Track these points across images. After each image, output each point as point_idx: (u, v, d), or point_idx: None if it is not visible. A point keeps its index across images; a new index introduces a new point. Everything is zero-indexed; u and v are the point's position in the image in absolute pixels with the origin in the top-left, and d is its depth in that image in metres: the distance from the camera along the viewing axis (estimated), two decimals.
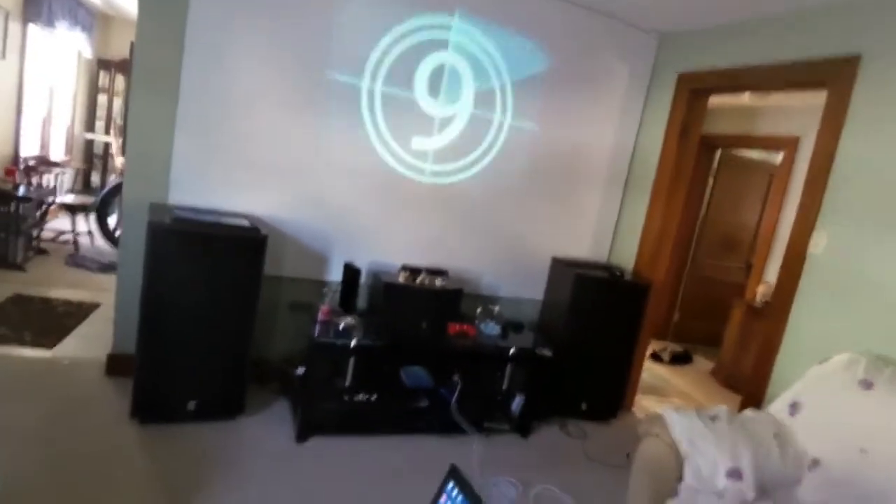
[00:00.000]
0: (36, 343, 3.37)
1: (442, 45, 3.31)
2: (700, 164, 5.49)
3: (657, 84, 3.84)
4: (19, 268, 4.61)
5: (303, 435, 2.79)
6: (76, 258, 5.13)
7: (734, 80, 3.37)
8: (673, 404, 4.24)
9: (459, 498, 1.08)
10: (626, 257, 3.92)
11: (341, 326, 2.87)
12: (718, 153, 5.82)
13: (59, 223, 5.73)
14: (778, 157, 5.51)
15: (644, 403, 4.06)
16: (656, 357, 5.17)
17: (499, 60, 3.45)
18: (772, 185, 5.62)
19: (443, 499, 1.12)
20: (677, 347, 5.48)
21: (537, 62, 3.54)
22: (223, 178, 3.05)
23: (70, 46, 5.98)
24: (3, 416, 2.57)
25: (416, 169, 3.41)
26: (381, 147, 3.31)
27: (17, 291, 4.10)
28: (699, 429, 2.12)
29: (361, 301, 3.29)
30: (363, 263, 3.28)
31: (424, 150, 3.41)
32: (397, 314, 3.08)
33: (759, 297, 4.92)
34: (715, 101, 3.93)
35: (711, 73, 3.47)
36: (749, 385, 2.96)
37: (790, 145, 5.06)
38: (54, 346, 3.39)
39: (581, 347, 3.50)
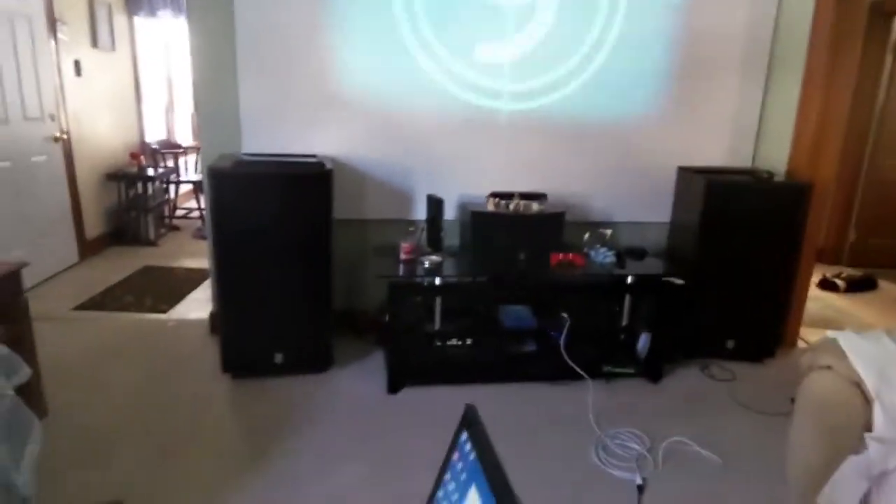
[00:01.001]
0: (154, 308, 3.50)
1: None
2: (874, 38, 4.34)
3: None
4: (152, 244, 4.89)
5: (394, 385, 2.55)
6: (202, 231, 5.37)
7: None
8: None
9: (472, 456, 0.69)
10: (777, 160, 3.15)
11: (426, 264, 2.56)
12: None
13: (189, 201, 6.07)
14: None
15: (812, 339, 3.30)
16: (829, 285, 4.26)
17: None
18: None
19: (455, 456, 0.74)
20: (855, 272, 4.47)
21: None
22: (293, 120, 2.86)
23: (179, 34, 6.20)
24: (109, 372, 2.68)
25: (489, 93, 2.94)
26: (443, 72, 2.88)
27: (146, 264, 4.34)
28: (893, 354, 1.50)
29: (453, 239, 2.94)
30: (451, 197, 2.92)
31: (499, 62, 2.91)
32: (489, 247, 2.69)
33: None
34: None
35: None
36: None
37: None
38: (169, 309, 3.49)
39: (722, 273, 2.86)
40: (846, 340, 1.58)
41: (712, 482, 2.05)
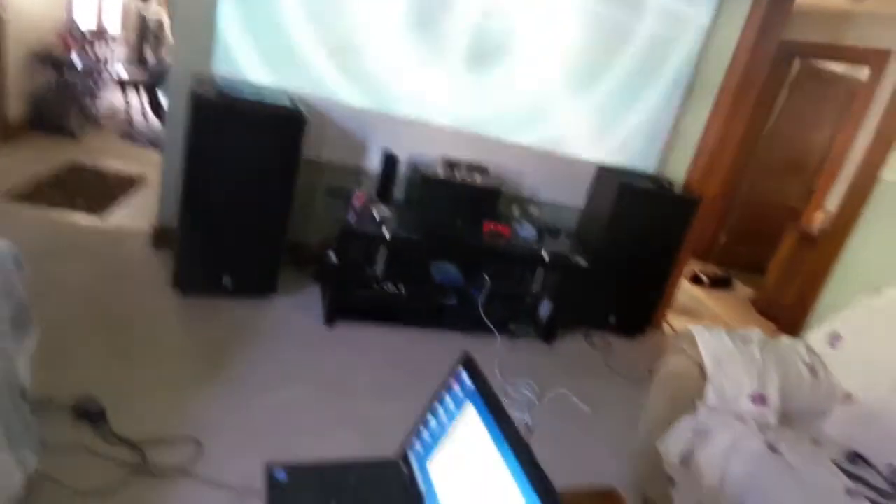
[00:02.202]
0: (88, 209, 3.51)
1: None
2: (774, 74, 5.02)
3: None
4: (74, 136, 4.72)
5: (331, 318, 2.88)
6: (128, 131, 5.23)
7: None
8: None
9: (470, 385, 1.07)
10: (678, 169, 3.72)
11: (376, 215, 2.86)
12: (797, 64, 5.29)
13: (113, 96, 5.80)
14: (862, 73, 4.99)
15: (675, 324, 4.01)
16: (696, 279, 5.05)
17: None
18: (851, 103, 5.14)
19: (454, 384, 1.12)
20: (718, 271, 5.32)
21: None
22: (268, 51, 2.97)
23: None
24: (55, 273, 2.73)
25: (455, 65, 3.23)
26: (420, 36, 3.13)
27: (73, 159, 4.24)
28: (728, 349, 2.06)
29: (399, 193, 3.25)
30: (403, 154, 3.21)
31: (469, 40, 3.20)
32: (433, 208, 3.04)
33: (815, 224, 4.65)
34: (802, 2, 3.50)
35: None
36: (788, 314, 2.86)
37: (879, 59, 4.54)
38: (103, 213, 3.52)
39: (616, 259, 3.42)
40: (698, 333, 2.13)
41: (583, 426, 2.61)
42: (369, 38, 3.06)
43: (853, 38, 4.78)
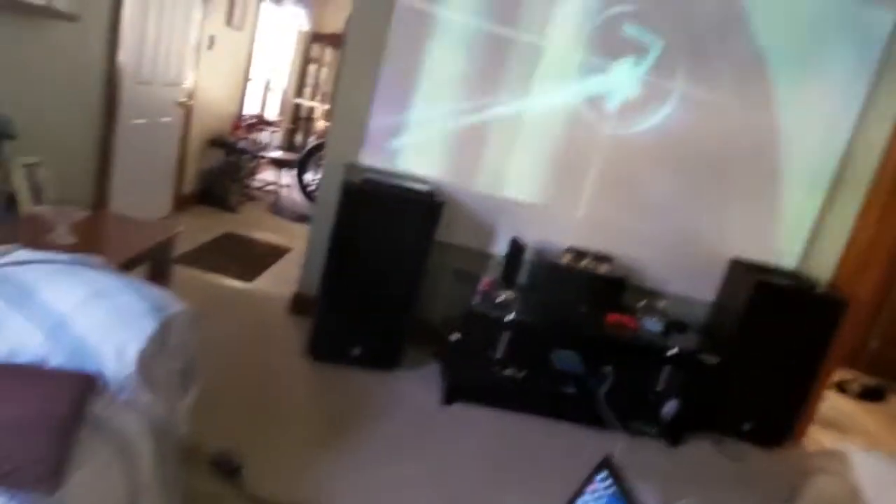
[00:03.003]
0: (239, 275, 3.92)
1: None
2: None
3: (889, 72, 3.28)
4: (232, 210, 5.34)
5: (449, 398, 2.92)
6: (277, 207, 5.82)
7: None
8: (854, 444, 3.72)
9: (612, 489, 1.06)
10: (823, 267, 3.46)
11: (500, 299, 2.93)
12: None
13: (266, 175, 6.53)
14: None
15: (818, 437, 3.60)
16: (841, 388, 4.54)
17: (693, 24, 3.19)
18: None
19: (592, 486, 1.11)
20: (869, 380, 4.75)
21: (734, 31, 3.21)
22: (411, 143, 3.26)
23: (292, 21, 6.69)
24: (207, 328, 2.98)
25: (586, 155, 3.33)
26: (568, 115, 3.28)
27: (230, 230, 4.78)
28: (892, 477, 1.84)
29: (524, 278, 3.31)
30: (530, 240, 3.29)
31: (604, 111, 3.30)
32: (557, 295, 3.06)
33: None
34: None
35: None
36: None
37: None
38: (252, 279, 3.91)
39: (752, 360, 3.19)
40: (855, 456, 1.92)
41: None
42: (505, 135, 3.26)
43: None
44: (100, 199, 3.63)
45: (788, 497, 2.77)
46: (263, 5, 5.72)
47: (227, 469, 2.10)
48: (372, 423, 2.63)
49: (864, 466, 1.87)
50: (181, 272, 3.69)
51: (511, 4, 3.11)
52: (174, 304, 1.73)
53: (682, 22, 3.18)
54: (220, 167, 5.32)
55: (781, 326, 3.16)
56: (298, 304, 3.45)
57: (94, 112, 3.40)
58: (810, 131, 3.38)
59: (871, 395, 4.58)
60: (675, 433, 3.08)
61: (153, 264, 2.54)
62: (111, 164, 3.66)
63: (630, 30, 3.17)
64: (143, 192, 4.17)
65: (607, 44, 3.18)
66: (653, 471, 2.77)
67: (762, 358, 3.20)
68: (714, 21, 3.19)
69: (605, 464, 1.10)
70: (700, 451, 3.11)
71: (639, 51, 3.20)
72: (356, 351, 2.98)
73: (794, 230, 3.53)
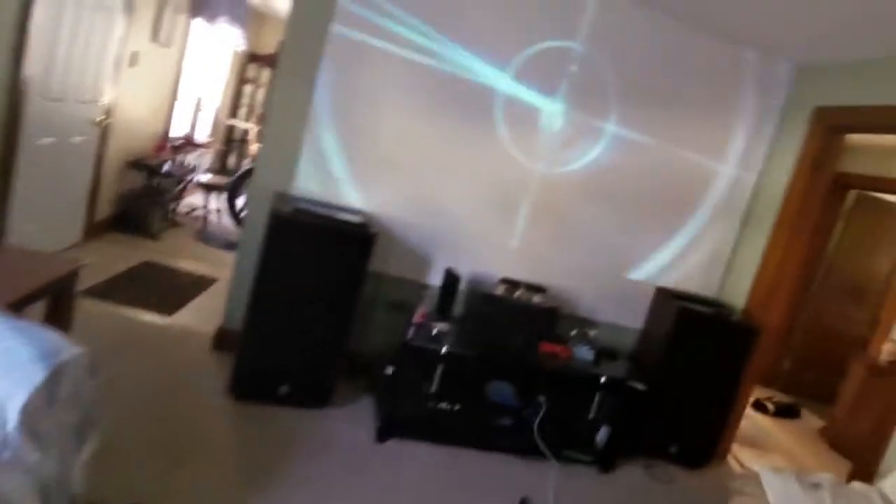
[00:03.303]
0: (158, 308, 3.68)
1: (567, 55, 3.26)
2: (831, 204, 5.00)
3: (791, 116, 3.56)
4: (154, 237, 5.05)
5: (383, 435, 2.85)
6: (204, 234, 5.57)
7: (878, 120, 3.04)
8: (773, 461, 3.91)
9: None
10: (738, 295, 3.66)
11: (435, 331, 2.90)
12: (853, 194, 5.28)
13: (193, 199, 6.24)
14: None
15: (741, 455, 3.77)
16: (760, 406, 4.79)
17: (625, 72, 3.34)
18: None
19: None
20: (784, 398, 5.04)
21: (658, 81, 3.39)
22: (344, 174, 3.19)
23: (226, 40, 6.50)
24: (117, 371, 2.80)
25: (519, 188, 3.39)
26: (501, 151, 3.33)
27: (148, 258, 4.51)
28: (798, 496, 1.94)
29: (458, 309, 3.30)
30: (465, 271, 3.30)
31: (536, 149, 3.38)
32: (491, 326, 3.07)
33: (883, 355, 4.42)
34: (855, 137, 3.57)
35: (853, 110, 3.16)
36: (862, 452, 2.67)
37: None
38: (172, 313, 3.68)
39: (677, 385, 3.31)
40: (766, 476, 2.02)
41: None
42: (438, 163, 3.27)
43: None
44: None
45: None
46: (195, 23, 5.51)
47: None
48: (302, 465, 2.51)
49: (774, 488, 1.96)
50: (91, 307, 3.44)
51: (444, 38, 3.14)
52: (68, 348, 1.57)
53: (613, 64, 3.33)
54: (141, 191, 5.04)
55: (703, 351, 3.31)
56: (222, 340, 3.29)
57: None
58: (726, 170, 3.63)
59: (786, 412, 4.85)
60: (607, 459, 3.13)
61: (52, 301, 2.32)
62: (11, 187, 3.37)
63: (562, 68, 3.28)
64: (49, 219, 3.87)
65: (539, 80, 3.27)
66: (587, 497, 2.80)
67: (687, 382, 3.32)
68: (644, 66, 3.36)
69: None
70: (631, 475, 3.18)
71: (570, 88, 3.31)
72: (284, 389, 2.86)
73: (713, 260, 3.73)
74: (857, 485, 2.18)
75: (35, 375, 1.39)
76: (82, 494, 1.61)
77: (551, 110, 3.32)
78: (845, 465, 3.78)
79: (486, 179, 3.34)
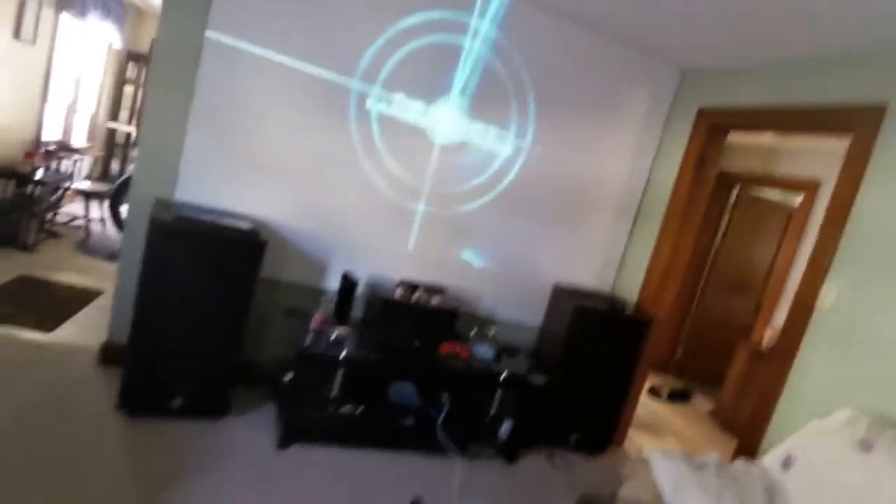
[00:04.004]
0: (36, 325, 3.39)
1: (455, 51, 3.30)
2: (716, 201, 5.41)
3: (676, 116, 3.81)
4: (29, 249, 4.65)
5: (285, 442, 2.77)
6: (86, 245, 5.18)
7: (755, 120, 3.32)
8: (667, 444, 4.16)
9: None
10: (631, 289, 3.86)
11: (333, 336, 2.85)
12: (736, 190, 5.73)
13: (73, 208, 5.80)
14: (797, 199, 5.42)
15: (637, 440, 3.97)
16: (654, 392, 5.07)
17: (521, 75, 3.42)
18: (788, 226, 5.53)
19: None
20: (677, 384, 5.38)
21: (553, 84, 3.52)
22: (230, 179, 3.06)
23: (100, 37, 6.08)
24: None
25: (412, 191, 3.40)
26: (377, 170, 3.30)
27: (23, 273, 4.14)
28: (685, 475, 2.06)
29: (357, 312, 3.27)
30: (362, 274, 3.27)
31: (424, 170, 3.39)
32: (391, 329, 3.05)
33: (765, 341, 4.82)
34: (736, 137, 3.87)
35: (732, 111, 3.42)
36: (746, 432, 2.88)
37: (810, 189, 4.98)
38: (53, 329, 3.40)
39: (575, 378, 3.44)
40: (654, 459, 2.13)
41: None
42: (327, 167, 3.21)
43: (785, 168, 5.24)
44: None
45: (611, 499, 3.01)
46: (63, 18, 5.12)
47: None
48: (200, 478, 2.39)
49: (662, 468, 2.08)
50: None
51: (323, 46, 3.07)
52: None
53: (505, 65, 3.41)
54: (11, 201, 4.62)
55: (598, 344, 3.46)
56: (109, 354, 3.07)
57: None
58: (617, 169, 3.81)
59: (679, 397, 5.17)
60: (510, 451, 3.20)
61: None
62: None
63: (450, 69, 3.31)
64: None
65: (422, 82, 3.29)
66: (491, 489, 2.84)
67: (584, 374, 3.46)
68: (539, 67, 3.46)
69: None
70: (534, 465, 3.27)
71: (460, 89, 3.36)
72: (177, 401, 2.71)
73: (608, 257, 3.91)
74: (739, 463, 2.35)
75: None
76: None
77: (439, 113, 3.34)
78: (733, 444, 4.07)
79: (377, 182, 3.32)
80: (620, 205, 3.89)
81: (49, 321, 3.47)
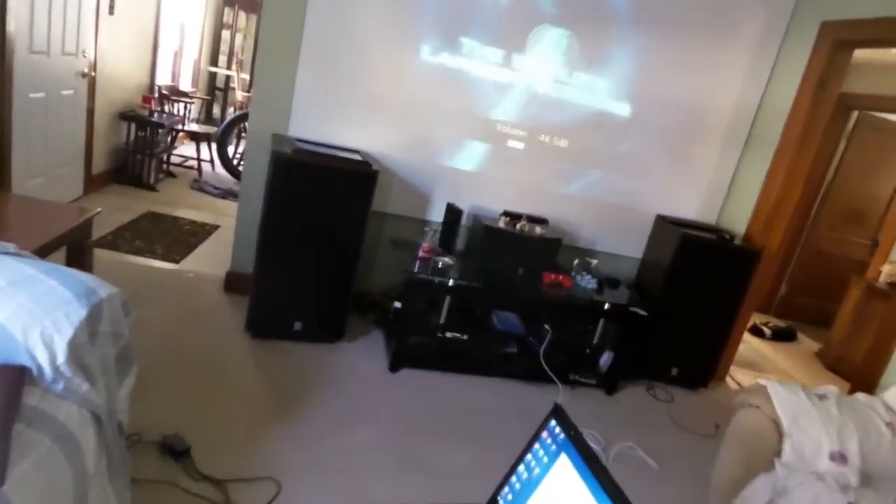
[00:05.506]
0: (166, 256, 3.73)
1: None
2: (832, 126, 4.97)
3: (795, 32, 3.49)
4: (152, 188, 5.05)
5: (395, 365, 2.94)
6: (199, 183, 5.55)
7: (887, 33, 2.98)
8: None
9: (562, 436, 1.11)
10: (738, 221, 3.69)
11: (440, 265, 2.95)
12: (855, 115, 5.23)
13: (185, 149, 6.19)
14: None
15: (739, 377, 3.90)
16: (757, 331, 4.91)
17: None
18: None
19: (544, 434, 1.16)
20: (780, 323, 5.16)
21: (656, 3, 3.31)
22: (339, 113, 3.16)
23: None
24: (139, 313, 2.85)
25: (516, 124, 3.36)
26: (484, 105, 3.28)
27: (149, 209, 4.53)
28: (805, 406, 2.02)
29: (461, 243, 3.35)
30: (465, 206, 3.32)
31: (532, 87, 3.34)
32: (494, 258, 3.12)
33: (883, 277, 4.50)
34: (858, 55, 3.51)
35: (861, 23, 3.09)
36: (861, 370, 2.76)
37: None
38: (181, 260, 3.74)
39: (678, 310, 3.39)
40: (772, 388, 2.09)
41: (653, 482, 2.56)
42: (432, 101, 3.23)
43: None
44: (1, 182, 3.34)
45: (714, 431, 3.01)
46: None
47: (176, 451, 2.04)
48: (319, 394, 2.61)
49: (781, 398, 2.05)
50: (102, 256, 3.48)
51: None
52: (102, 288, 1.64)
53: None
54: (134, 143, 5.00)
55: (703, 277, 3.36)
56: (233, 283, 3.34)
57: None
58: (726, 93, 3.57)
59: (783, 336, 4.98)
60: (611, 382, 3.24)
61: (70, 250, 2.37)
62: (11, 142, 3.36)
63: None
64: (50, 173, 3.87)
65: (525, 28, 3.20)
66: (594, 418, 2.92)
67: (687, 307, 3.40)
68: None
69: (555, 412, 1.15)
70: (634, 397, 3.30)
71: (572, 13, 3.24)
72: (298, 325, 2.93)
73: (714, 187, 3.74)
74: (860, 395, 2.26)
75: (78, 312, 1.45)
76: (128, 422, 1.71)
77: (555, 34, 3.25)
78: (843, 386, 3.91)
79: (482, 112, 3.31)
80: (729, 131, 3.66)
81: (175, 253, 3.81)
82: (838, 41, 3.25)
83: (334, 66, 3.08)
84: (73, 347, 1.44)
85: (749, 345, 4.61)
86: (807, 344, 5.06)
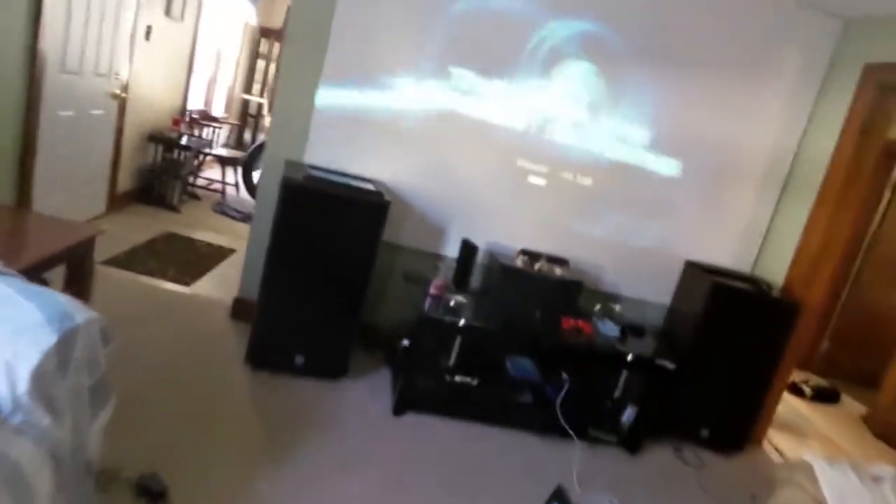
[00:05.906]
0: (177, 278, 3.66)
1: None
2: (877, 174, 4.69)
3: (836, 74, 3.29)
4: (174, 209, 5.04)
5: (400, 408, 2.76)
6: (222, 206, 5.54)
7: None
8: (812, 448, 3.71)
9: None
10: (776, 270, 3.44)
11: (452, 303, 2.78)
12: None
13: (211, 173, 6.23)
14: None
15: (777, 441, 3.58)
16: (796, 389, 4.56)
17: (650, 36, 3.12)
18: None
19: None
20: (822, 382, 4.79)
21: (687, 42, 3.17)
22: (356, 142, 3.09)
23: (239, 15, 6.42)
24: (139, 335, 2.80)
25: (536, 159, 3.23)
26: (506, 139, 3.17)
27: (169, 230, 4.50)
28: (856, 489, 1.77)
29: (475, 281, 3.18)
30: (481, 242, 3.16)
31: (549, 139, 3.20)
32: (510, 299, 2.93)
33: None
34: None
35: None
36: None
37: None
38: (192, 283, 3.66)
39: (709, 364, 3.13)
40: (819, 466, 1.84)
41: None
42: (451, 133, 3.13)
43: None
44: (22, 197, 3.32)
45: (751, 503, 2.71)
46: None
47: (152, 493, 1.89)
48: (317, 436, 2.44)
49: (829, 478, 1.80)
50: (112, 275, 3.43)
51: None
52: (80, 312, 1.52)
53: (639, 22, 3.12)
54: (161, 164, 5.02)
55: (737, 330, 3.11)
56: (240, 310, 3.23)
57: (13, 102, 3.10)
58: (762, 136, 3.38)
59: (825, 396, 4.62)
60: (634, 441, 2.98)
61: (70, 268, 2.29)
62: (35, 159, 3.36)
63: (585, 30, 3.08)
64: (72, 191, 3.87)
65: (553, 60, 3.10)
66: (613, 480, 2.67)
67: (720, 361, 3.14)
68: (674, 21, 3.14)
69: (557, 496, 0.97)
70: (660, 458, 3.03)
71: (596, 49, 3.11)
72: (299, 359, 2.78)
73: (749, 233, 3.51)
74: None
75: (46, 339, 1.34)
76: (98, 461, 1.57)
77: (582, 69, 3.13)
78: (892, 456, 3.57)
79: (503, 147, 3.18)
80: (766, 176, 3.44)
81: (187, 276, 3.74)
82: (883, 85, 3.05)
83: (354, 95, 3.01)
84: (38, 376, 1.32)
85: (787, 405, 4.27)
86: (851, 406, 4.67)
